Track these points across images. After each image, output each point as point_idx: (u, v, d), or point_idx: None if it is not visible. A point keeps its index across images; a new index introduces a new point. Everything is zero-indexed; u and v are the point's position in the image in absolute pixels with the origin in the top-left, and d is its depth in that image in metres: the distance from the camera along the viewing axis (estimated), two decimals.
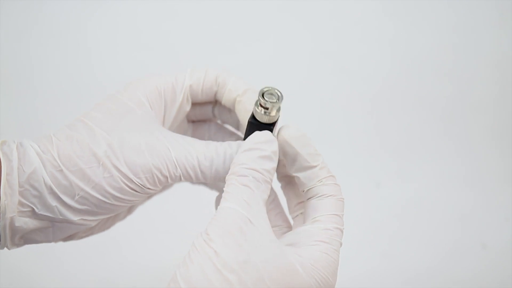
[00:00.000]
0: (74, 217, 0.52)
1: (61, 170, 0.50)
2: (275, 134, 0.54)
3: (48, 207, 0.50)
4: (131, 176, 0.50)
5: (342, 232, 0.51)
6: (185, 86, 0.56)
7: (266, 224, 0.48)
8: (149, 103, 0.55)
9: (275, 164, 0.51)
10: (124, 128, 0.52)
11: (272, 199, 0.57)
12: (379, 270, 0.96)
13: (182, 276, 0.45)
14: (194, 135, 0.62)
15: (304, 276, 0.47)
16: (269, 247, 0.46)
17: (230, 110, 0.60)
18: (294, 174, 0.54)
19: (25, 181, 0.49)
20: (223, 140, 0.61)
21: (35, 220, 0.51)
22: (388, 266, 0.97)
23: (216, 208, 0.52)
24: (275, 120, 0.53)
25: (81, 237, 0.58)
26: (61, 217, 0.51)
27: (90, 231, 0.58)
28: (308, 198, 0.53)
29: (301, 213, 0.56)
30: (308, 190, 0.53)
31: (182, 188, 0.71)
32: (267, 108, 0.52)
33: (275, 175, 0.57)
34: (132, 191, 0.51)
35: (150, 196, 0.59)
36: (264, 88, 0.52)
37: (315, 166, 0.53)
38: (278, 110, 0.52)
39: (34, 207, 0.50)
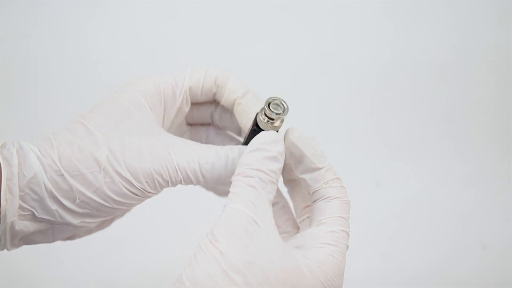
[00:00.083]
0: (75, 220, 0.52)
1: (62, 175, 0.50)
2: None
3: (48, 210, 0.50)
4: (132, 181, 0.50)
5: (348, 234, 0.51)
6: (185, 87, 0.56)
7: (272, 225, 0.48)
8: (149, 104, 0.54)
9: (281, 165, 0.51)
10: (124, 132, 0.52)
11: (282, 205, 0.57)
12: (379, 270, 0.96)
13: (188, 277, 0.45)
14: (192, 138, 0.62)
15: (310, 278, 0.47)
16: (275, 248, 0.46)
17: (231, 115, 0.60)
18: (300, 176, 0.53)
19: (25, 185, 0.49)
20: (222, 144, 0.61)
21: (35, 223, 0.51)
22: (388, 266, 0.97)
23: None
24: (278, 129, 0.53)
25: (80, 236, 0.58)
26: (61, 220, 0.51)
27: (88, 231, 0.58)
28: (314, 201, 0.53)
29: (308, 217, 0.56)
30: (314, 192, 0.53)
31: (182, 188, 0.70)
32: (271, 119, 0.52)
33: (281, 179, 0.57)
34: (133, 195, 0.51)
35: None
36: (271, 98, 0.52)
37: (321, 168, 0.52)
38: (282, 121, 0.53)
39: (34, 211, 0.50)
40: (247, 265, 0.45)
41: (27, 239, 0.52)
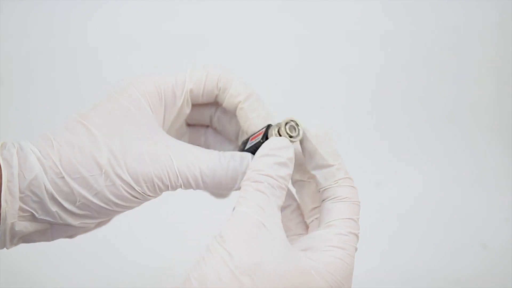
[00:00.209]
0: (74, 222, 0.52)
1: (63, 177, 0.50)
2: None
3: (48, 212, 0.50)
4: (133, 184, 0.50)
5: (357, 236, 0.50)
6: (185, 89, 0.56)
7: (279, 229, 0.48)
8: (149, 105, 0.54)
9: (290, 171, 0.51)
10: (125, 134, 0.52)
11: (293, 208, 0.56)
12: (379, 270, 0.96)
13: (195, 277, 0.45)
14: (190, 139, 0.62)
15: (318, 280, 0.47)
16: (282, 251, 0.47)
17: (230, 120, 0.60)
18: (312, 172, 0.53)
19: (26, 187, 0.49)
20: (220, 146, 0.61)
21: (34, 223, 0.51)
22: (388, 266, 0.97)
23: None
24: None
25: (79, 234, 0.57)
26: (61, 221, 0.51)
27: (87, 230, 0.58)
28: (323, 200, 0.53)
29: (317, 218, 0.55)
30: (323, 190, 0.53)
31: (183, 190, 0.71)
32: None
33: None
34: (133, 198, 0.51)
35: None
36: (289, 118, 0.52)
37: (332, 165, 0.52)
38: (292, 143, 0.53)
39: (34, 212, 0.50)
40: (254, 266, 0.45)
41: (26, 238, 0.53)
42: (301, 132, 0.52)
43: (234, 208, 0.49)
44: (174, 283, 0.47)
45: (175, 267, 0.89)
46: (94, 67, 1.07)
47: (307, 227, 0.56)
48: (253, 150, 0.54)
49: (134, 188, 0.51)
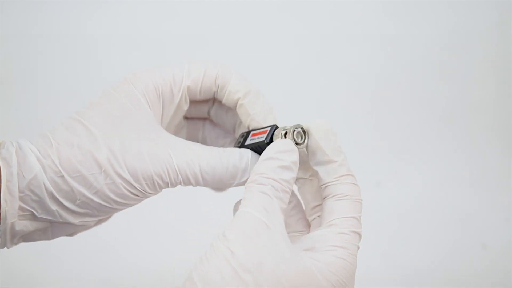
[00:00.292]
0: (75, 220, 0.52)
1: (62, 176, 0.50)
2: None
3: (48, 211, 0.51)
4: (133, 182, 0.51)
5: (359, 235, 0.50)
6: (183, 87, 0.56)
7: (282, 230, 0.48)
8: (148, 102, 0.54)
9: (294, 174, 0.51)
10: (124, 132, 0.52)
11: (294, 205, 0.56)
12: (379, 270, 0.96)
13: (198, 275, 0.45)
14: (188, 132, 0.62)
15: (321, 279, 0.47)
16: (285, 251, 0.47)
17: (227, 112, 0.60)
18: (314, 168, 0.53)
19: (25, 186, 0.49)
20: (217, 139, 0.61)
21: (34, 222, 0.51)
22: (388, 266, 0.97)
23: (234, 213, 0.52)
24: None
25: (79, 232, 0.57)
26: (61, 220, 0.51)
27: (87, 227, 0.58)
28: (325, 197, 0.53)
29: (318, 216, 0.55)
30: (325, 187, 0.53)
31: (183, 189, 0.71)
32: None
33: None
34: (133, 195, 0.51)
35: None
36: (298, 124, 0.53)
37: (334, 161, 0.52)
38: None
39: (34, 211, 0.50)
40: (257, 265, 0.45)
41: (26, 237, 0.53)
42: (307, 140, 0.53)
43: (237, 209, 0.49)
44: (174, 283, 0.47)
45: (175, 267, 0.89)
46: (94, 67, 1.07)
47: (307, 224, 0.56)
48: (255, 147, 0.54)
49: (133, 186, 0.51)
